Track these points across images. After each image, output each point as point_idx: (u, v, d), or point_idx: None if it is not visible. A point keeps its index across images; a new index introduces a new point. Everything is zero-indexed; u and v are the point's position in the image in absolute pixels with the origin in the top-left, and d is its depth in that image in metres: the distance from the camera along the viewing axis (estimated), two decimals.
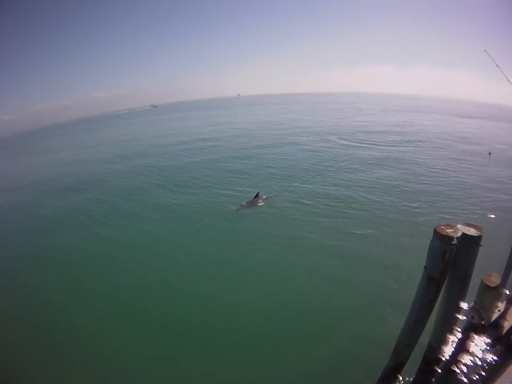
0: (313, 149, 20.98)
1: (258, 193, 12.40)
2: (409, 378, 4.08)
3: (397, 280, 6.89)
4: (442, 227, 3.16)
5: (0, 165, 33.83)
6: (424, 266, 3.24)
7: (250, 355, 5.50)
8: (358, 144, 22.09)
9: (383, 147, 20.98)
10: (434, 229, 3.15)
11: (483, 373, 3.72)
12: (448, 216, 9.89)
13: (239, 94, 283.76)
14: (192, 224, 10.92)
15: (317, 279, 7.36)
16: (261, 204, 12.07)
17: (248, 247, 9.10)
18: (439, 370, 3.97)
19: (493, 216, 9.96)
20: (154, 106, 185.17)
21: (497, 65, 5.33)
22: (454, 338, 3.85)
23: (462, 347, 3.93)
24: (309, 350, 5.44)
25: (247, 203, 11.93)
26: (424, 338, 3.70)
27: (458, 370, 3.88)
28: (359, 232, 9.34)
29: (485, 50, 5.46)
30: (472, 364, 3.80)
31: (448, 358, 3.90)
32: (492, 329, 3.69)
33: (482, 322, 3.99)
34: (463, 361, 3.86)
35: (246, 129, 33.35)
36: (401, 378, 3.93)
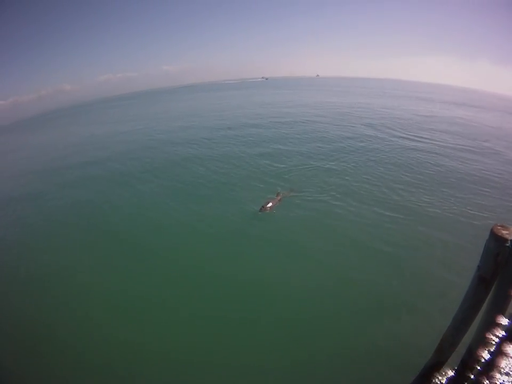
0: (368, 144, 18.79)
1: (279, 192, 12.34)
2: (445, 378, 4.06)
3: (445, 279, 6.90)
4: (498, 227, 3.16)
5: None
6: (478, 266, 3.25)
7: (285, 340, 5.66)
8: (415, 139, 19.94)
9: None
10: (491, 229, 3.15)
11: None
12: None
13: (318, 75, 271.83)
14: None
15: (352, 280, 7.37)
16: (285, 200, 11.93)
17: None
18: (475, 374, 3.95)
19: None
20: (266, 79, 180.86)
21: None
22: (494, 344, 3.84)
23: (500, 354, 3.92)
24: (345, 337, 5.57)
25: (269, 203, 11.59)
26: (467, 340, 3.68)
27: (493, 377, 3.87)
28: (401, 238, 8.86)
29: None
30: (507, 372, 3.79)
31: (485, 362, 3.89)
32: None
33: None
34: (499, 368, 3.85)
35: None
36: (438, 377, 3.93)
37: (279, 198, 11.94)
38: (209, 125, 27.44)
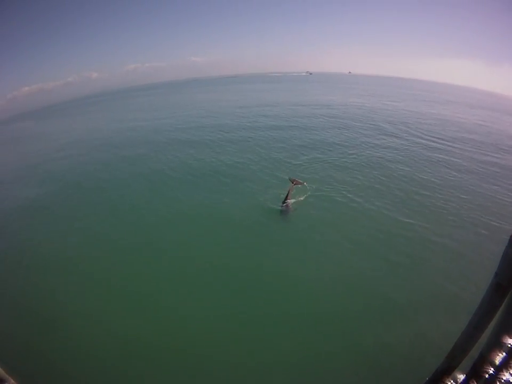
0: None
1: (291, 180, 12.38)
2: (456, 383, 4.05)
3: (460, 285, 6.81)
4: None
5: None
6: (495, 272, 3.21)
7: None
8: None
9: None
10: (511, 235, 3.10)
11: None
12: None
13: (350, 72, 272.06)
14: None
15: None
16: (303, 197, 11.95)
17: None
18: (485, 380, 3.92)
19: None
20: (310, 74, 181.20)
21: None
22: (506, 351, 3.79)
23: (510, 362, 3.88)
24: (357, 337, 5.59)
25: (289, 199, 11.56)
26: (479, 346, 3.66)
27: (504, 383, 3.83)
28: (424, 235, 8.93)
29: None
30: None
31: (496, 369, 3.86)
32: None
33: None
34: (510, 375, 3.82)
35: None
36: (449, 382, 3.92)
37: (293, 186, 12.11)
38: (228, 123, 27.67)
